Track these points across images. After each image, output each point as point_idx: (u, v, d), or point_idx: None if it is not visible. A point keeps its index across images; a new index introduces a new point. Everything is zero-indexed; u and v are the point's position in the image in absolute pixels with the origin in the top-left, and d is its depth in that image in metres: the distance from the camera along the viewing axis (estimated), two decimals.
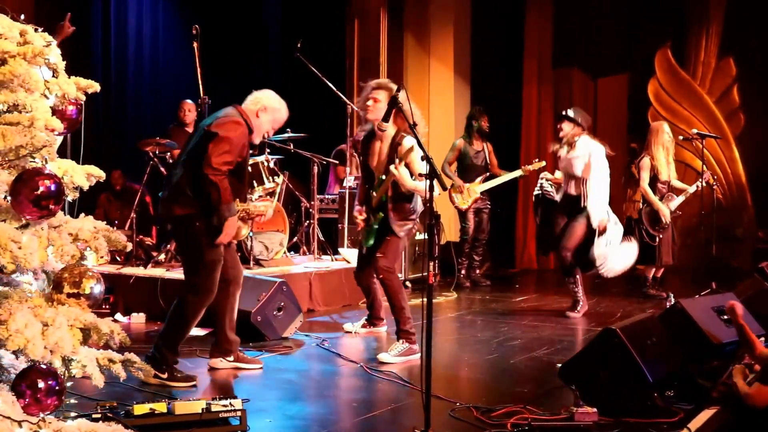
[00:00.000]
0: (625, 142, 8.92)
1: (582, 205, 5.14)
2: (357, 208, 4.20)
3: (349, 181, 6.44)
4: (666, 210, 6.06)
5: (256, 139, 3.56)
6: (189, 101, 6.33)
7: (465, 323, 5.14)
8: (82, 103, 2.56)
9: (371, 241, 4.07)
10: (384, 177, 3.96)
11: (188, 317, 3.41)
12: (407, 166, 3.88)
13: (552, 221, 5.34)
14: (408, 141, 3.87)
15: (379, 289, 4.26)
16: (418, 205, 4.05)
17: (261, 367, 3.70)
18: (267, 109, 3.50)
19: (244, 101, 3.56)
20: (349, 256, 6.02)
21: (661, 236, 6.09)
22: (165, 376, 3.32)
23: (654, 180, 6.09)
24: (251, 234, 5.44)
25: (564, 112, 5.33)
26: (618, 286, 6.97)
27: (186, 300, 3.41)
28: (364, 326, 4.58)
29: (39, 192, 2.26)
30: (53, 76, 2.48)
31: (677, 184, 6.20)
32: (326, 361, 3.96)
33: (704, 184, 6.03)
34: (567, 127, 5.20)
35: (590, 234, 5.12)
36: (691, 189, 6.11)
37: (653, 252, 6.11)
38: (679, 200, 6.12)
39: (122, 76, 7.51)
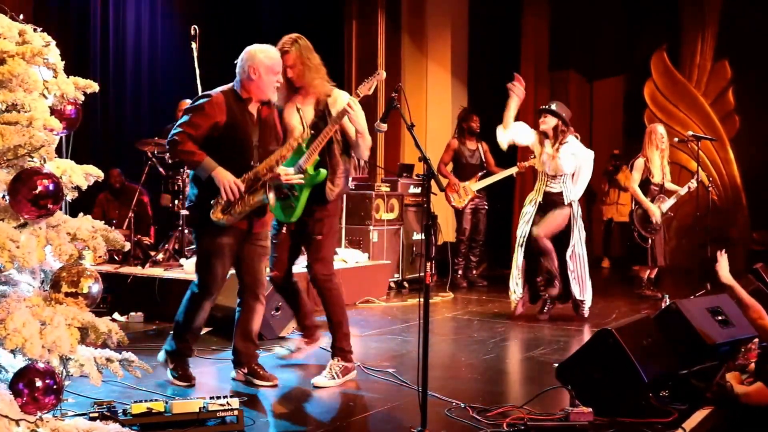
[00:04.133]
0: (621, 144, 8.97)
1: (566, 202, 5.10)
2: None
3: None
4: (656, 210, 6.07)
5: (271, 96, 3.25)
6: (188, 101, 6.33)
7: (461, 323, 5.15)
8: (81, 102, 2.57)
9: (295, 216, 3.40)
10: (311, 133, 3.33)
11: (186, 309, 3.35)
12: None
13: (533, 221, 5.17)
14: (340, 92, 3.40)
15: (311, 291, 3.74)
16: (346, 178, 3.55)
17: (275, 385, 3.37)
18: (253, 68, 3.16)
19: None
20: (347, 256, 6.03)
21: (653, 238, 6.11)
22: (171, 366, 3.35)
23: (647, 182, 6.12)
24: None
25: (546, 106, 5.24)
26: (613, 287, 7.00)
27: (190, 291, 3.36)
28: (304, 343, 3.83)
29: (37, 191, 2.26)
30: (52, 76, 2.48)
31: (670, 186, 6.22)
32: (323, 361, 3.96)
33: (696, 185, 6.04)
34: (551, 121, 5.09)
35: (567, 231, 5.10)
36: (683, 190, 6.12)
37: (645, 253, 6.12)
38: (670, 202, 6.13)
39: (121, 76, 7.51)
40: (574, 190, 5.14)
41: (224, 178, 3.11)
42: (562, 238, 5.12)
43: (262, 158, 3.24)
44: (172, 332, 3.41)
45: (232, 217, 3.17)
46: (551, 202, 5.13)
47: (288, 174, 3.25)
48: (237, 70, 3.25)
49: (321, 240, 3.44)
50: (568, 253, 5.09)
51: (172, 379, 3.34)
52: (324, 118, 3.36)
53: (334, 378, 3.42)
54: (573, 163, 5.10)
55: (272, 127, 3.35)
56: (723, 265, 3.19)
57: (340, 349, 3.51)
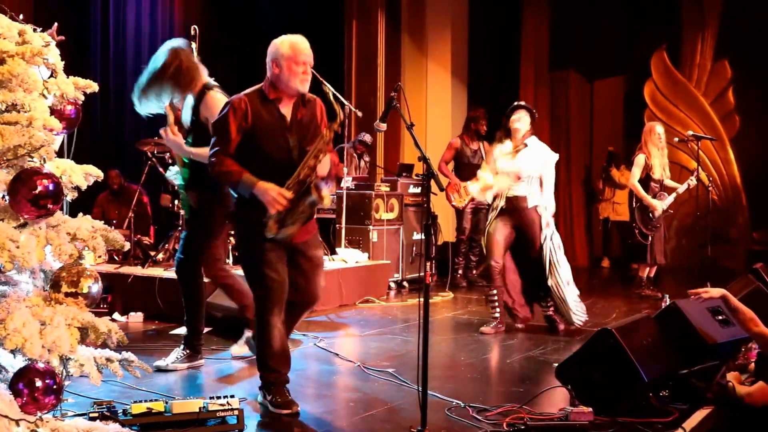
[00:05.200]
0: (621, 144, 8.97)
1: (530, 205, 4.67)
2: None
3: (347, 182, 6.46)
4: (657, 203, 6.06)
5: (299, 88, 2.97)
6: None
7: (461, 323, 5.15)
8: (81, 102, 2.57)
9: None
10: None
11: (259, 335, 3.04)
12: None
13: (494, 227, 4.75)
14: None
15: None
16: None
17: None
18: (275, 62, 2.97)
19: None
20: (347, 256, 6.03)
21: (653, 235, 6.10)
22: (269, 398, 3.00)
23: (647, 178, 6.11)
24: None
25: (521, 102, 4.90)
26: (613, 286, 7.00)
27: (255, 314, 3.06)
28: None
29: (37, 191, 2.26)
30: (51, 75, 2.48)
31: (670, 183, 6.22)
32: (323, 361, 3.96)
33: (696, 181, 6.04)
34: (526, 119, 4.68)
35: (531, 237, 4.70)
36: (682, 187, 6.11)
37: (645, 251, 6.12)
38: (670, 199, 6.13)
39: (121, 76, 7.52)
40: (541, 197, 4.70)
41: (266, 191, 2.86)
42: (523, 244, 4.73)
43: (301, 161, 2.95)
44: (258, 369, 3.07)
45: (288, 228, 2.93)
46: (514, 207, 4.70)
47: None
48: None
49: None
50: (549, 281, 4.64)
51: (274, 409, 2.98)
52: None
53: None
54: (539, 161, 4.68)
55: (311, 125, 3.06)
56: (710, 290, 3.18)
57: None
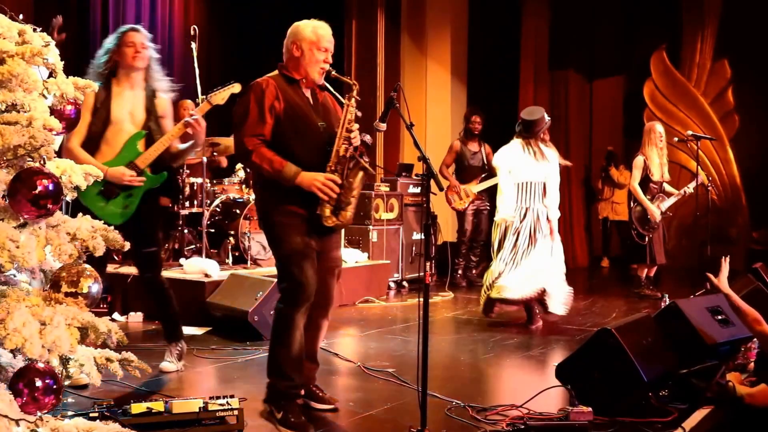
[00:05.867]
0: (621, 144, 8.98)
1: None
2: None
3: None
4: (655, 210, 6.06)
5: (316, 79, 2.89)
6: (188, 101, 6.34)
7: (461, 323, 5.15)
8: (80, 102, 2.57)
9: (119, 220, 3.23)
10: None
11: (278, 333, 2.82)
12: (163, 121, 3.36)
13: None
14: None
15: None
16: None
17: (336, 409, 3.04)
18: (296, 45, 2.89)
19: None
20: (347, 255, 6.03)
21: (650, 236, 6.10)
22: (279, 415, 2.80)
23: (646, 180, 6.11)
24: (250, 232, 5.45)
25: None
26: (613, 286, 7.00)
27: (277, 312, 2.86)
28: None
29: (37, 191, 2.26)
30: (51, 75, 2.48)
31: (669, 188, 6.21)
32: (323, 361, 3.95)
33: (692, 190, 6.03)
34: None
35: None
36: (681, 192, 6.12)
37: (643, 251, 6.12)
38: (670, 201, 6.12)
39: None
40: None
41: (312, 181, 2.74)
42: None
43: (333, 142, 2.84)
44: (268, 376, 2.88)
45: (346, 212, 2.82)
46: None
47: None
48: (283, 50, 2.94)
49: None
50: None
51: (286, 429, 2.77)
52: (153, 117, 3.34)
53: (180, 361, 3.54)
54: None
55: (331, 108, 2.99)
56: (723, 273, 3.18)
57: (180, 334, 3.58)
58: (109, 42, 3.46)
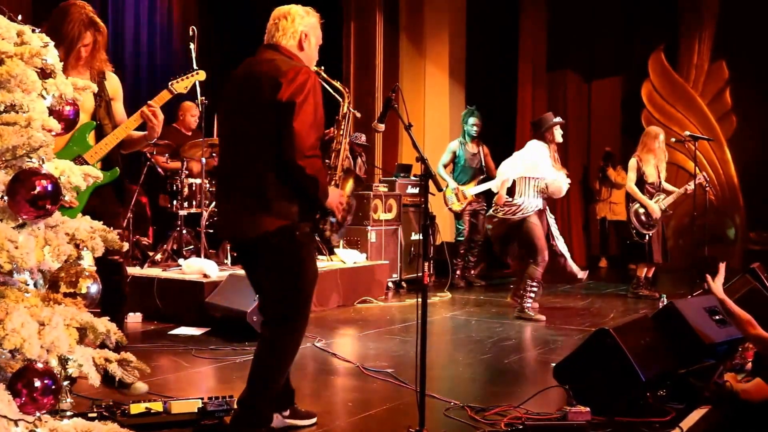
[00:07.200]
0: (619, 145, 8.99)
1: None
2: None
3: None
4: (655, 206, 6.07)
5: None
6: (189, 102, 6.35)
7: (459, 323, 5.16)
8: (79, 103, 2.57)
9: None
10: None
11: (280, 357, 2.57)
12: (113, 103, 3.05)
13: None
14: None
15: None
16: None
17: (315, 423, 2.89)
18: (305, 33, 2.59)
19: (268, 39, 2.62)
20: (345, 256, 6.04)
21: (650, 235, 6.11)
22: (284, 413, 2.73)
23: (642, 182, 6.13)
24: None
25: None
26: (611, 286, 7.01)
27: (278, 337, 2.56)
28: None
29: (36, 192, 2.26)
30: (50, 76, 2.48)
31: (668, 186, 6.23)
32: (321, 361, 3.97)
33: (693, 188, 6.05)
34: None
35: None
36: (681, 190, 6.13)
37: (643, 250, 6.13)
38: (669, 199, 6.14)
39: (120, 76, 7.50)
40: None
41: (340, 198, 2.55)
42: None
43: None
44: (269, 385, 2.62)
45: (345, 227, 2.68)
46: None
47: None
48: (278, 36, 2.56)
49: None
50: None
51: (293, 421, 2.76)
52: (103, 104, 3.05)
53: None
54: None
55: None
56: (720, 278, 3.18)
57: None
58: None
